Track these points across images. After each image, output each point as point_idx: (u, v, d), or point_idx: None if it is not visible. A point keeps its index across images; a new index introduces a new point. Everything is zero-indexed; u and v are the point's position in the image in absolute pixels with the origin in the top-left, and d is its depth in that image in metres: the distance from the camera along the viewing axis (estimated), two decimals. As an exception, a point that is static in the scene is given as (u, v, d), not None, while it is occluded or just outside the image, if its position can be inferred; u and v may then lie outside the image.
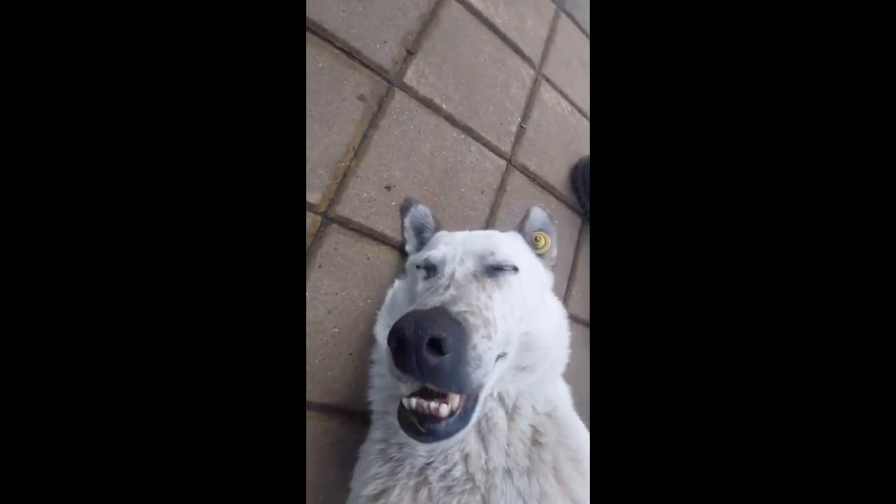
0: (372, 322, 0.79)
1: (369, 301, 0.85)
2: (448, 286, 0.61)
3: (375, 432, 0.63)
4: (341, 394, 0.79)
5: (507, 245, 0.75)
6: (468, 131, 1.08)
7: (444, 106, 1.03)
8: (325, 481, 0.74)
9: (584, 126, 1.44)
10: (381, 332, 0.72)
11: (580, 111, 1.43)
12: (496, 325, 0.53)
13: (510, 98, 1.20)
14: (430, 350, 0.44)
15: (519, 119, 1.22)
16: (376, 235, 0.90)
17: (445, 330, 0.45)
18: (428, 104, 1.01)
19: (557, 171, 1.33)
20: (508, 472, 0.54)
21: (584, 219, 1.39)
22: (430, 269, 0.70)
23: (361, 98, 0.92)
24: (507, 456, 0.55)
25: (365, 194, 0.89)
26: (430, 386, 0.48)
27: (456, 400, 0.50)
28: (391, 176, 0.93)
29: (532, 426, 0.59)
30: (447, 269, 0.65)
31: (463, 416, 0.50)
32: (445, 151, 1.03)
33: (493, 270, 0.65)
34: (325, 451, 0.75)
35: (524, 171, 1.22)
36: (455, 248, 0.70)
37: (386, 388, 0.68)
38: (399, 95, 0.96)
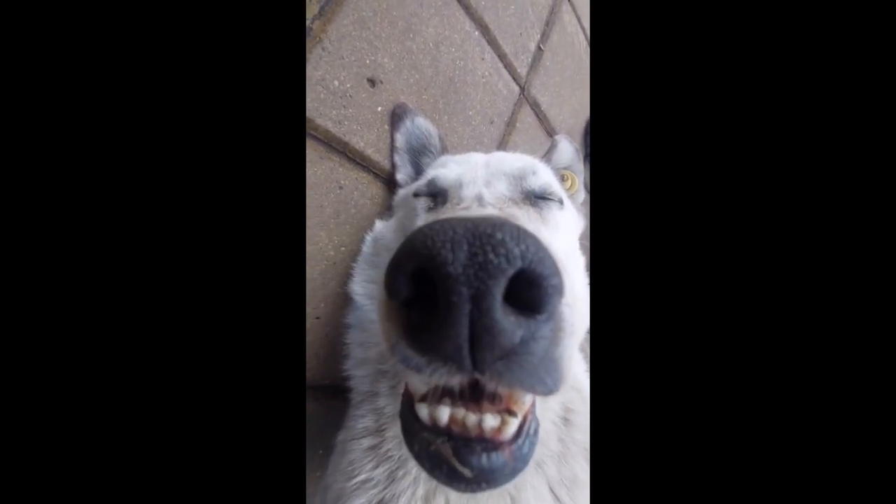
0: (346, 278, 0.51)
1: (343, 249, 0.55)
2: (482, 206, 0.40)
3: (360, 420, 0.45)
4: (307, 366, 0.54)
5: (548, 170, 0.54)
6: (483, 29, 0.78)
7: (457, -22, 0.71)
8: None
9: (594, 72, 1.25)
10: (360, 292, 0.49)
11: (592, 52, 1.23)
12: None
13: (532, 2, 0.92)
14: (508, 305, 0.21)
15: (539, 36, 0.95)
16: (352, 154, 0.58)
17: (544, 251, 0.21)
18: (436, -34, 0.68)
19: (565, 119, 1.13)
20: (539, 462, 0.41)
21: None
22: (438, 196, 0.47)
23: (334, -82, 0.55)
24: (539, 443, 0.39)
25: (336, 83, 0.56)
26: (492, 384, 0.25)
27: (526, 404, 0.28)
28: (377, 63, 0.60)
29: (561, 402, 0.46)
30: (467, 193, 0.43)
31: (535, 431, 0.30)
32: (454, 49, 0.72)
33: (536, 199, 0.46)
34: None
35: (536, 107, 0.98)
36: (474, 167, 0.48)
37: (370, 360, 0.47)
38: (395, -65, 0.61)
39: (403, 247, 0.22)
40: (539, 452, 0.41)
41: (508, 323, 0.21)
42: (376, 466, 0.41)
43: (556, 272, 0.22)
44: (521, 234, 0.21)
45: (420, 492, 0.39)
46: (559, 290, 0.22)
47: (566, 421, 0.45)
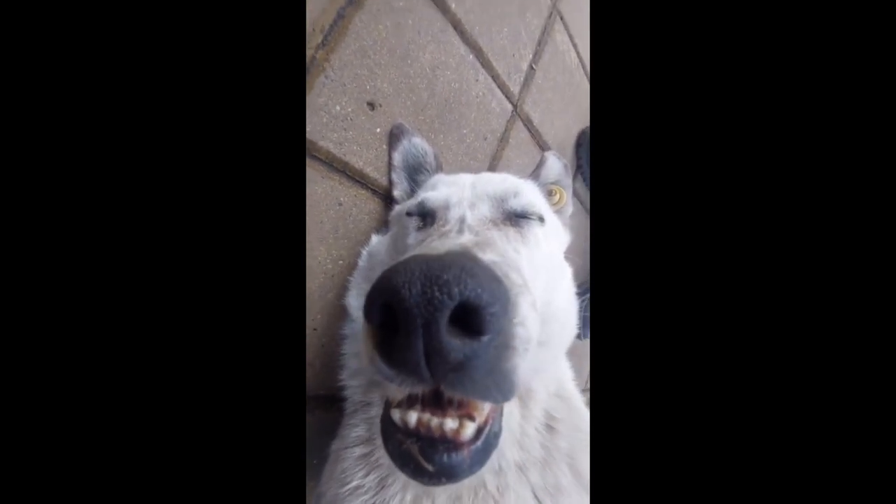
0: (343, 290, 0.55)
1: (341, 263, 0.59)
2: (461, 230, 0.44)
3: (354, 429, 0.47)
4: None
5: (531, 189, 0.59)
6: (478, 52, 0.82)
7: (452, 6, 0.76)
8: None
9: (586, 88, 1.29)
10: (355, 305, 0.52)
11: (585, 70, 1.27)
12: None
13: (525, 25, 0.96)
14: (454, 329, 0.26)
15: (531, 55, 1.00)
16: (352, 172, 0.62)
17: (483, 287, 0.26)
18: (433, -4, 0.72)
19: (557, 133, 1.17)
20: (522, 467, 0.44)
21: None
22: (427, 216, 0.51)
23: (337, -46, 0.59)
24: (520, 449, 0.44)
25: (338, 107, 0.60)
26: (448, 392, 0.29)
27: (485, 410, 0.32)
28: (376, 89, 0.65)
29: (544, 410, 0.48)
30: (452, 214, 0.48)
31: (496, 434, 0.33)
32: (449, 72, 0.77)
33: (517, 218, 0.50)
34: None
35: (528, 123, 1.03)
36: (461, 189, 0.52)
37: (364, 371, 0.50)
38: (395, -32, 0.65)
39: (377, 283, 0.27)
40: (522, 458, 0.44)
41: (454, 343, 0.26)
42: (367, 474, 0.43)
43: (495, 301, 0.26)
44: (464, 274, 0.26)
45: (408, 497, 0.41)
46: (500, 315, 0.27)
47: (549, 428, 0.47)
